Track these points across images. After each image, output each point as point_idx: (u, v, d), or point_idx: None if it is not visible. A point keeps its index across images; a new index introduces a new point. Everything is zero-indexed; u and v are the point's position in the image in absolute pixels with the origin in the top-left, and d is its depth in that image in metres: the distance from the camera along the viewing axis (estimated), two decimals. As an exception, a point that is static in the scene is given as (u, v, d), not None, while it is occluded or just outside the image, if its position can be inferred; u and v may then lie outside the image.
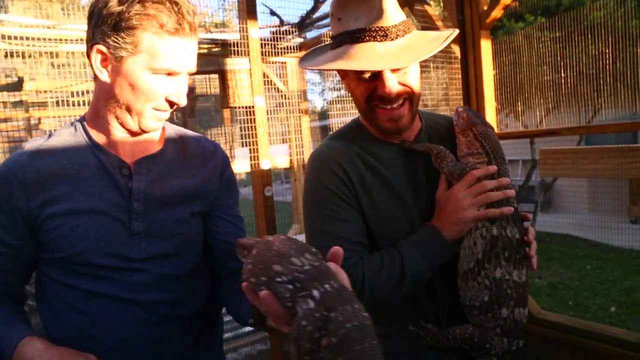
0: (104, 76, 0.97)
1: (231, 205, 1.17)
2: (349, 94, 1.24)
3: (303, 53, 4.31)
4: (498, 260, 1.10)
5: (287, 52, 3.95)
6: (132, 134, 1.04)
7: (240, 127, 2.12)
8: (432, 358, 1.18)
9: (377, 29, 1.03)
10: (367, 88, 1.09)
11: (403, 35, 1.06)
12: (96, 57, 0.96)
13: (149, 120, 1.01)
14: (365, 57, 1.03)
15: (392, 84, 1.06)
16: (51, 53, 3.07)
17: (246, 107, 1.91)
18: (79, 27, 3.22)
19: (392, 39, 1.05)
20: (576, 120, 6.32)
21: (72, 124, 1.08)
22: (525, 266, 1.12)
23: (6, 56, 3.05)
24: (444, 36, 1.09)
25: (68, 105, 3.10)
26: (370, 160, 1.16)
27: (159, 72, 0.96)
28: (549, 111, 6.18)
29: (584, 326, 2.34)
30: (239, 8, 1.86)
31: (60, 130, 1.07)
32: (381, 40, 1.04)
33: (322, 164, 1.16)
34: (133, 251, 1.01)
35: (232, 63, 1.92)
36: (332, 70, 1.20)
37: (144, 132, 1.03)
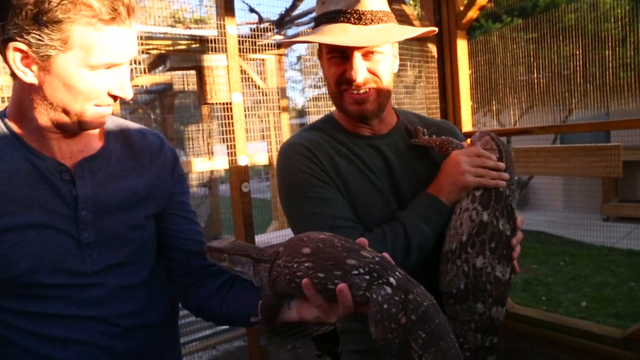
0: (29, 77, 0.82)
1: (185, 200, 1.10)
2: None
3: (282, 50, 4.27)
4: (482, 249, 1.08)
5: (266, 49, 3.94)
6: (65, 131, 0.90)
7: (219, 124, 2.11)
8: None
9: (352, 11, 1.06)
10: (338, 70, 1.12)
11: (378, 23, 1.08)
12: (14, 56, 0.80)
13: (91, 118, 0.88)
14: (334, 34, 1.05)
15: (360, 67, 1.09)
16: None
17: (224, 104, 1.91)
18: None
19: (365, 24, 1.07)
20: (550, 119, 6.47)
21: None
22: (510, 266, 1.11)
23: None
24: (420, 30, 1.12)
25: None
26: (343, 150, 1.17)
27: (98, 67, 0.83)
28: (525, 111, 6.31)
29: (555, 320, 2.41)
30: (216, 4, 1.85)
31: None
32: (355, 23, 1.06)
33: (293, 151, 1.15)
34: (85, 264, 0.90)
35: (210, 60, 1.91)
36: (305, 43, 1.22)
37: (84, 130, 0.91)
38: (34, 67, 0.82)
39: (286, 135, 4.55)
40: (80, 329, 0.90)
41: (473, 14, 2.68)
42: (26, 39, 0.79)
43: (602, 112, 6.40)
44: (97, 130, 0.99)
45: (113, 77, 0.87)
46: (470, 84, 2.79)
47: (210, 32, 3.21)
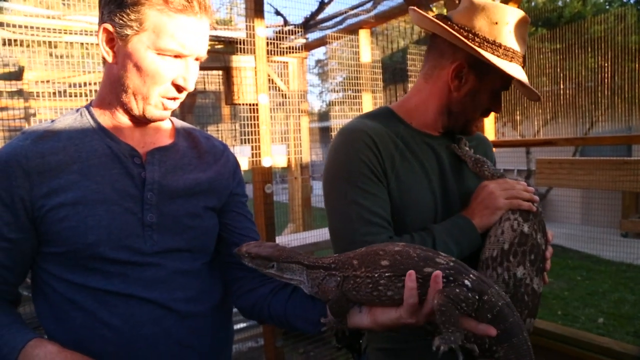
0: (110, 57, 0.92)
1: (244, 202, 1.16)
2: (351, 97, 1.28)
3: (305, 53, 4.30)
4: (524, 259, 1.08)
5: (290, 52, 3.97)
6: (138, 122, 0.99)
7: (242, 125, 2.14)
8: (435, 354, 1.20)
9: (522, 56, 1.19)
10: (489, 101, 1.21)
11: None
12: (103, 37, 0.91)
13: (154, 108, 0.95)
14: (521, 74, 1.16)
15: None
16: (50, 43, 3.06)
17: (249, 105, 1.93)
18: (83, 18, 3.23)
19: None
20: (572, 131, 6.38)
21: (76, 110, 1.02)
22: (541, 279, 1.13)
23: (6, 44, 3.04)
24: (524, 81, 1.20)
25: (67, 95, 3.09)
26: (400, 144, 1.19)
27: (165, 52, 0.90)
28: (547, 122, 6.23)
29: (572, 334, 2.38)
30: (246, 6, 1.87)
31: (64, 116, 1.00)
32: (522, 67, 1.20)
33: (357, 137, 1.15)
34: (145, 244, 0.95)
35: (238, 60, 1.94)
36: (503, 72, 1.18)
37: (148, 120, 0.98)
38: (116, 48, 0.91)
39: (306, 138, 4.57)
40: (137, 311, 0.93)
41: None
42: (113, 20, 0.89)
43: (625, 126, 6.29)
44: (168, 127, 1.07)
45: (178, 67, 0.92)
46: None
47: (235, 33, 3.25)
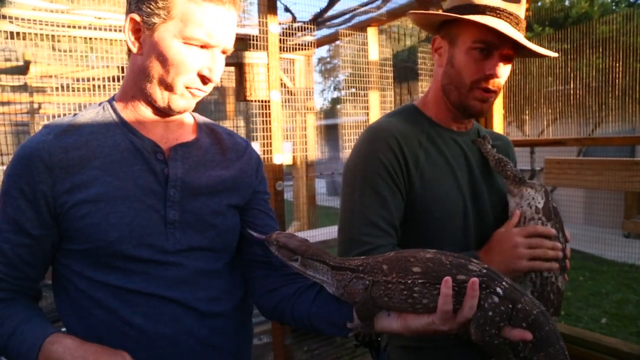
0: (136, 48, 0.91)
1: (267, 200, 1.14)
2: (359, 95, 1.29)
3: (312, 51, 4.29)
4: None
5: (297, 49, 3.96)
6: (162, 114, 0.97)
7: (253, 121, 2.13)
8: (457, 354, 1.19)
9: (513, 14, 1.11)
10: (478, 66, 1.13)
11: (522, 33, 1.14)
12: (129, 27, 0.90)
13: (179, 98, 0.93)
14: (503, 26, 1.08)
15: (503, 70, 1.14)
16: (54, 37, 3.04)
17: (260, 102, 1.92)
18: (89, 12, 3.22)
19: (519, 30, 1.12)
20: (577, 131, 6.37)
21: (99, 104, 1.00)
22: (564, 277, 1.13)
23: (11, 37, 3.03)
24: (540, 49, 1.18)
25: (71, 90, 3.08)
26: (424, 141, 1.19)
27: (192, 41, 0.88)
28: (551, 122, 6.23)
29: (579, 334, 2.38)
30: (259, 2, 1.87)
31: (86, 110, 0.99)
32: (513, 26, 1.11)
33: (380, 137, 1.16)
34: (168, 242, 0.93)
35: (251, 57, 1.93)
36: (447, 18, 1.16)
37: (172, 112, 0.96)
38: (142, 39, 0.90)
39: (311, 136, 4.57)
40: (159, 309, 0.92)
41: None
42: (141, 9, 0.88)
43: (629, 127, 6.28)
44: (190, 122, 1.06)
45: (204, 57, 0.91)
46: (503, 92, 2.77)
47: (248, 29, 3.24)
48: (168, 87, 0.91)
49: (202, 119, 1.11)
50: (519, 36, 1.10)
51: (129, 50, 0.93)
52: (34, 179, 0.88)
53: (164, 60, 0.88)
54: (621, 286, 5.73)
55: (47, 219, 0.90)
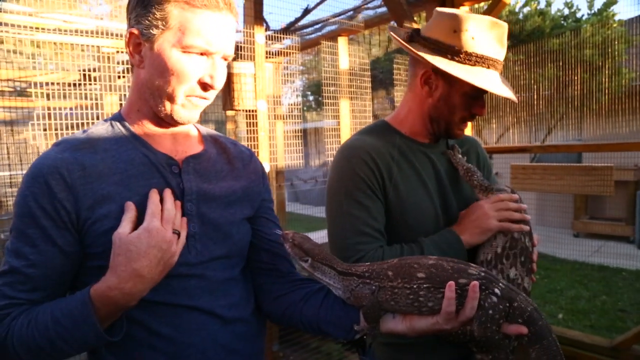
0: (136, 60, 0.91)
1: (272, 207, 1.17)
2: (329, 104, 1.34)
3: (280, 59, 4.32)
4: (515, 261, 1.19)
5: (266, 58, 3.99)
6: (167, 126, 0.97)
7: (237, 131, 2.14)
8: (438, 350, 1.28)
9: (500, 62, 1.23)
10: (469, 105, 1.25)
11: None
12: (130, 42, 0.90)
13: (180, 109, 0.92)
14: (491, 81, 1.19)
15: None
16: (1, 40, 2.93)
17: (246, 111, 1.95)
18: (59, 16, 3.12)
19: (500, 73, 1.25)
20: (529, 138, 6.73)
21: (105, 120, 0.99)
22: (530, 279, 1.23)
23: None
24: (508, 95, 1.26)
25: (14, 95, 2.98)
26: (396, 155, 1.27)
27: (191, 50, 0.88)
28: (507, 129, 6.54)
29: (546, 329, 2.53)
30: (245, 13, 1.90)
31: (95, 126, 0.97)
32: (499, 72, 1.23)
33: (356, 154, 1.23)
34: (190, 255, 0.94)
35: (238, 67, 1.95)
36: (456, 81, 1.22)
37: (176, 123, 0.95)
38: (142, 52, 0.90)
39: (280, 144, 4.59)
40: (185, 319, 0.93)
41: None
42: (140, 23, 0.88)
43: (576, 134, 6.70)
44: (195, 134, 1.06)
45: (205, 65, 0.90)
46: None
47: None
48: (169, 98, 0.91)
49: (205, 129, 1.11)
50: (510, 94, 1.23)
51: (132, 65, 0.94)
52: (56, 197, 0.86)
53: (164, 71, 0.88)
54: (574, 283, 6.08)
55: (72, 236, 0.88)
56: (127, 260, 0.82)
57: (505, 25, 1.23)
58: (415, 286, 0.92)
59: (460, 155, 1.34)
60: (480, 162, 1.45)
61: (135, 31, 0.89)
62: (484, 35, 1.19)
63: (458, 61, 1.18)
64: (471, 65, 1.18)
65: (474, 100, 1.24)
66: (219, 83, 0.93)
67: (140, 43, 0.90)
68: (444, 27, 1.20)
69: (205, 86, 0.92)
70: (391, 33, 1.28)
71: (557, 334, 2.47)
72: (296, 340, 3.16)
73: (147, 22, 0.87)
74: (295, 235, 1.02)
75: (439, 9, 1.25)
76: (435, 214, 1.27)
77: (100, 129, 0.97)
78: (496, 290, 0.90)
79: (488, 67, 1.20)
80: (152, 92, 0.92)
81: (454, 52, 1.18)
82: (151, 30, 0.87)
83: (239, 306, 1.02)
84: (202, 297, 0.95)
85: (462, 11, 1.23)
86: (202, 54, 0.89)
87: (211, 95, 0.95)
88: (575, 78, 5.39)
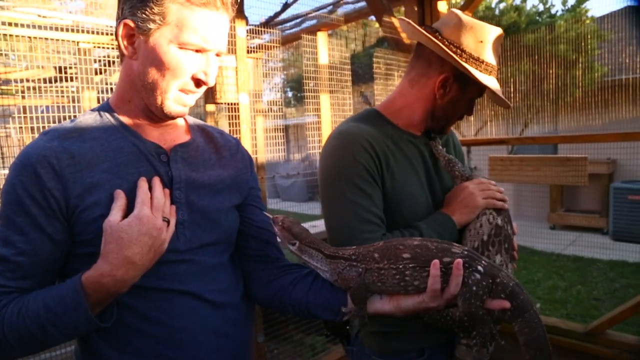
0: (130, 52, 0.91)
1: (259, 196, 1.18)
2: (309, 97, 1.36)
3: (260, 54, 4.31)
4: (500, 248, 1.23)
5: (251, 52, 3.98)
6: (157, 119, 0.98)
7: (218, 124, 2.14)
8: (425, 336, 1.32)
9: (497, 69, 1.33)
10: (470, 107, 1.34)
11: None
12: (123, 33, 0.90)
13: (173, 103, 0.94)
14: (497, 85, 1.29)
15: None
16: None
17: (229, 104, 1.95)
18: (34, 10, 3.06)
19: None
20: (507, 132, 6.86)
21: (92, 110, 0.99)
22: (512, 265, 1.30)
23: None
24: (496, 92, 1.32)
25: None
26: (390, 144, 1.29)
27: (188, 46, 0.89)
28: (485, 122, 6.66)
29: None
30: (225, 7, 1.89)
31: (83, 116, 0.98)
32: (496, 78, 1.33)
33: (354, 140, 1.23)
34: (179, 242, 0.95)
35: (220, 60, 1.93)
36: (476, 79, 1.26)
37: (166, 116, 0.96)
38: (136, 44, 0.90)
39: (260, 136, 4.58)
40: (175, 303, 0.94)
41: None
42: (135, 15, 0.88)
43: (552, 127, 6.87)
44: (182, 124, 1.07)
45: (199, 61, 0.92)
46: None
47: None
48: (162, 91, 0.92)
49: (192, 120, 1.12)
50: (500, 94, 1.32)
51: (122, 55, 0.94)
52: (45, 186, 0.86)
53: (160, 65, 0.89)
54: (551, 274, 6.24)
55: (61, 224, 0.88)
56: (118, 248, 0.83)
57: (503, 34, 1.31)
58: (401, 266, 0.95)
59: (440, 147, 1.38)
60: (456, 151, 1.52)
61: (131, 23, 0.89)
62: (496, 46, 1.27)
63: (479, 70, 1.24)
64: (487, 74, 1.25)
65: (473, 103, 1.33)
66: (212, 79, 0.95)
67: (133, 34, 0.90)
68: (470, 35, 1.23)
69: (198, 82, 0.94)
70: (415, 27, 1.28)
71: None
72: (279, 332, 3.18)
73: (144, 15, 0.87)
74: (284, 219, 1.03)
75: (456, 11, 1.28)
76: (427, 204, 1.31)
77: (88, 118, 0.97)
78: (479, 268, 0.93)
79: (490, 74, 1.28)
80: (144, 84, 0.92)
81: (479, 61, 1.23)
82: (148, 24, 0.88)
83: (228, 291, 1.03)
84: (193, 282, 0.97)
85: (476, 20, 1.27)
86: (197, 50, 0.91)
87: (202, 90, 0.97)
88: (550, 72, 5.52)
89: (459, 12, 1.27)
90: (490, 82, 1.25)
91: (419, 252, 0.96)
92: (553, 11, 6.66)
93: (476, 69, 1.23)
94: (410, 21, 1.29)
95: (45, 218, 0.87)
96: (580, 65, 5.69)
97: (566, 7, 6.46)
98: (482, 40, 1.23)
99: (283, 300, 1.09)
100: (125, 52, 0.92)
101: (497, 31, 1.27)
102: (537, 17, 6.24)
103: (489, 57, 1.25)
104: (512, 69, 5.63)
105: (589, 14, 6.26)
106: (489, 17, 6.11)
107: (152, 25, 0.88)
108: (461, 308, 0.93)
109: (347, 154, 1.22)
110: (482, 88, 1.28)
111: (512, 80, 5.71)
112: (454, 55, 1.21)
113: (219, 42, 0.93)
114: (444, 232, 1.23)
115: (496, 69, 1.30)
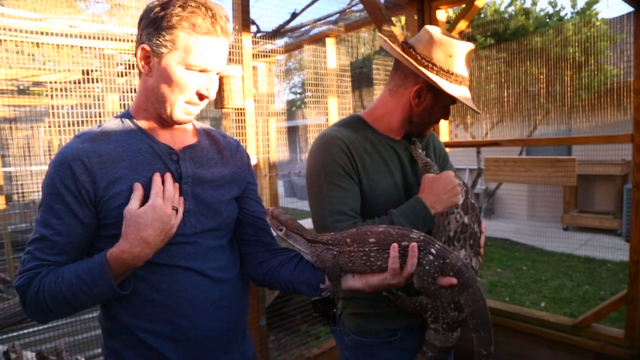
0: (146, 70, 1.09)
1: (256, 189, 1.35)
2: (318, 101, 1.53)
3: (272, 58, 4.51)
4: (465, 243, 1.39)
5: (259, 57, 4.19)
6: (166, 125, 1.16)
7: (227, 127, 2.34)
8: (397, 318, 1.50)
9: (469, 79, 1.46)
10: (444, 114, 1.50)
11: None
12: (141, 55, 1.08)
13: (180, 112, 1.11)
14: (467, 96, 1.43)
15: None
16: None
17: (236, 109, 2.15)
18: (64, 21, 3.31)
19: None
20: (517, 133, 6.92)
21: (115, 117, 1.18)
22: (478, 259, 1.45)
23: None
24: (468, 103, 1.47)
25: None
26: (369, 147, 1.46)
27: (193, 68, 1.06)
28: (495, 124, 6.74)
29: (514, 310, 2.74)
30: (234, 21, 2.10)
31: (108, 122, 1.17)
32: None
33: (333, 143, 1.40)
34: (185, 227, 1.13)
35: (228, 69, 2.14)
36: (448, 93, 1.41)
37: (175, 123, 1.14)
38: (151, 64, 1.09)
39: (273, 138, 4.80)
40: (181, 277, 1.13)
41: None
42: (151, 41, 1.06)
43: (565, 128, 6.91)
44: (190, 128, 1.26)
45: (202, 79, 1.10)
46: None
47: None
48: (171, 103, 1.10)
49: (199, 124, 1.31)
50: (474, 107, 1.46)
51: (140, 73, 1.13)
52: (78, 179, 1.05)
53: (170, 82, 1.07)
54: (559, 273, 6.29)
55: (90, 211, 1.07)
56: (136, 230, 1.03)
57: (473, 48, 1.46)
58: (367, 249, 1.12)
59: (420, 150, 1.54)
60: (436, 152, 1.65)
61: (148, 47, 1.07)
62: (463, 58, 1.41)
63: (449, 81, 1.40)
64: (457, 84, 1.40)
65: (448, 109, 1.48)
66: (213, 94, 1.14)
67: (149, 56, 1.08)
68: (440, 50, 1.39)
69: (201, 96, 1.12)
70: (391, 45, 1.44)
71: (524, 314, 2.69)
72: (286, 324, 3.38)
73: (157, 41, 1.05)
74: (274, 210, 1.23)
75: (429, 27, 1.43)
76: (400, 201, 1.45)
77: (113, 123, 1.16)
78: (432, 250, 1.09)
79: (466, 85, 1.43)
80: (157, 97, 1.10)
81: (449, 73, 1.39)
82: (161, 49, 1.05)
83: (226, 269, 1.22)
84: (196, 261, 1.15)
85: (447, 36, 1.41)
86: (201, 70, 1.09)
87: (204, 103, 1.16)
88: (559, 74, 5.58)
89: (431, 29, 1.42)
90: (459, 91, 1.40)
91: (382, 237, 1.11)
92: (562, 14, 6.69)
93: (447, 80, 1.38)
94: (386, 39, 1.46)
95: (78, 205, 1.06)
96: (590, 67, 5.73)
97: (576, 10, 6.48)
98: (451, 55, 1.38)
99: (273, 278, 1.28)
100: (142, 70, 1.11)
101: (467, 46, 1.41)
102: (547, 19, 6.29)
103: (459, 69, 1.40)
104: (520, 72, 5.72)
105: (600, 17, 6.28)
106: (498, 20, 6.19)
107: (164, 50, 1.06)
108: (416, 284, 1.10)
109: (328, 155, 1.39)
110: (455, 99, 1.44)
111: (515, 82, 5.79)
112: (423, 69, 1.37)
113: (219, 64, 1.11)
114: (414, 217, 1.35)
115: (467, 79, 1.44)
